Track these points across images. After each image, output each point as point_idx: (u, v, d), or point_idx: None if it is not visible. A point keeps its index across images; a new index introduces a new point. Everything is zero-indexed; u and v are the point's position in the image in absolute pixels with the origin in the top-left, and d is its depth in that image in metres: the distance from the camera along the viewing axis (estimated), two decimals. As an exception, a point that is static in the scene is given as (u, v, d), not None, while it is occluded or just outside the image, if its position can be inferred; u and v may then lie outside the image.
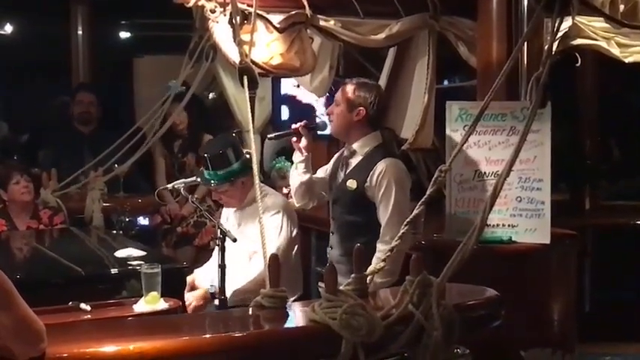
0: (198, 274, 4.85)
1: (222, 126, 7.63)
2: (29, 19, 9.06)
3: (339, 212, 4.45)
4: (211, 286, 4.59)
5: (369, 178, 4.28)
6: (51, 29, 8.70)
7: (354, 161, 4.42)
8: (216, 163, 4.60)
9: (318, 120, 4.65)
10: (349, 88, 4.40)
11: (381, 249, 4.11)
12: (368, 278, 3.29)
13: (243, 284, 4.50)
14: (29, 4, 8.45)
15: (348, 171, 4.42)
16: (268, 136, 4.86)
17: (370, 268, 3.51)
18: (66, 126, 7.39)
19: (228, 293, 4.34)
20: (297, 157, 4.55)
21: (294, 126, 4.53)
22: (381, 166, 4.27)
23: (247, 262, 4.61)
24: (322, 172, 4.68)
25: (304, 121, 4.61)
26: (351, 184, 4.35)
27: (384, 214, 4.24)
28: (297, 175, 4.56)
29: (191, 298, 4.58)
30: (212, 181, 4.64)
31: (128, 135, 6.64)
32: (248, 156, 4.61)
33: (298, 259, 4.83)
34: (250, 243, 4.56)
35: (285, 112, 7.23)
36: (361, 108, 4.35)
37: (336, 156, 4.62)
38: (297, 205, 4.73)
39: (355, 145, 4.41)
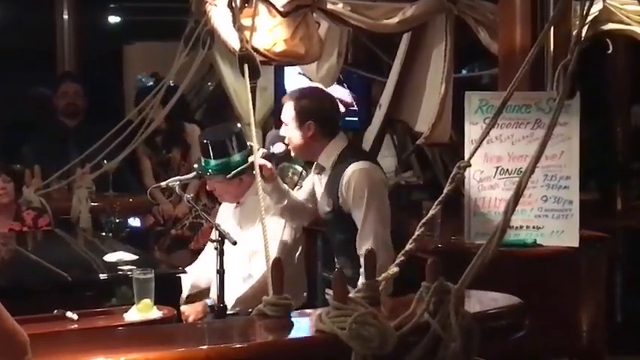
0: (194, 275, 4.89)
1: (221, 118, 7.63)
2: (11, 2, 9.08)
3: (332, 233, 4.53)
4: (209, 298, 4.65)
5: (339, 194, 4.29)
6: (34, 14, 8.71)
7: (324, 178, 4.44)
8: (216, 151, 4.62)
9: (273, 148, 4.58)
10: (290, 104, 4.39)
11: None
12: (381, 285, 3.30)
13: (245, 291, 4.52)
14: (10, -13, 8.48)
15: (322, 191, 4.45)
16: (228, 177, 4.74)
17: (383, 275, 3.51)
18: (50, 119, 7.40)
19: (228, 300, 4.36)
20: (264, 188, 4.42)
21: (250, 159, 4.47)
22: (346, 177, 4.27)
23: (247, 264, 4.64)
24: (307, 186, 4.69)
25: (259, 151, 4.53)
26: (328, 205, 4.38)
27: (358, 224, 4.25)
28: (274, 204, 4.54)
29: (189, 312, 4.60)
30: (208, 171, 4.67)
31: (118, 128, 6.63)
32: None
33: (302, 263, 4.86)
34: (250, 243, 4.58)
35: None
36: (310, 122, 4.34)
37: (310, 176, 4.65)
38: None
39: (321, 160, 4.43)
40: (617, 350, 5.28)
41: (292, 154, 4.56)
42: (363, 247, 4.17)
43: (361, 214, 4.22)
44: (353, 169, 4.27)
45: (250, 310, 3.95)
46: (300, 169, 5.98)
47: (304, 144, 4.40)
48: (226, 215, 4.92)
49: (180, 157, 6.85)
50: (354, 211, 4.26)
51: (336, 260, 4.54)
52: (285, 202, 4.53)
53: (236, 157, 4.64)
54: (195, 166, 4.78)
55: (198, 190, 6.32)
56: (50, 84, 7.76)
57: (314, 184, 4.59)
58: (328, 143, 4.38)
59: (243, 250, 4.58)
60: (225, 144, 4.63)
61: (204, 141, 4.69)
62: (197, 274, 4.92)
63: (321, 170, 4.44)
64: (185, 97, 7.96)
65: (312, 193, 4.61)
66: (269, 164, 4.44)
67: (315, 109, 4.37)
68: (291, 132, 4.41)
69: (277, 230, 4.64)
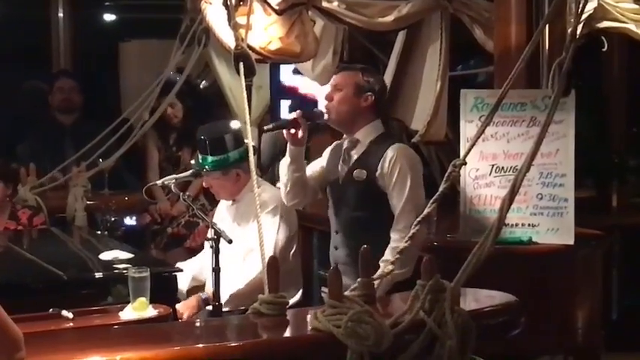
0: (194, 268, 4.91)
1: (216, 117, 7.63)
2: (5, 0, 9.06)
3: (343, 209, 4.42)
4: (203, 292, 4.65)
5: (379, 166, 4.26)
6: (29, 11, 8.69)
7: (357, 151, 4.38)
8: (213, 148, 4.63)
9: (315, 109, 4.56)
10: (355, 73, 4.40)
11: (395, 238, 4.15)
12: (376, 282, 3.30)
13: (241, 287, 4.52)
14: (5, -15, 8.46)
15: (352, 162, 4.39)
16: (265, 127, 4.72)
17: (378, 272, 3.51)
18: (45, 116, 7.38)
19: (224, 297, 4.36)
20: (292, 151, 4.36)
21: (290, 116, 4.40)
22: (392, 152, 4.26)
23: (242, 261, 4.64)
24: (314, 167, 4.65)
25: (299, 110, 4.49)
26: (360, 174, 4.32)
27: (398, 201, 4.22)
28: (291, 172, 4.41)
29: (183, 309, 4.59)
30: (205, 167, 4.67)
31: (114, 126, 6.63)
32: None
33: (297, 260, 4.86)
34: (246, 240, 4.58)
35: (285, 105, 7.22)
36: (369, 93, 4.35)
37: (330, 150, 4.57)
38: (288, 205, 4.63)
39: (358, 135, 4.39)
40: (613, 347, 5.28)
41: (332, 118, 4.39)
42: (401, 222, 4.17)
43: (405, 190, 4.21)
44: (399, 147, 4.30)
45: (243, 307, 3.95)
46: None
47: (353, 112, 4.36)
48: (223, 213, 4.93)
49: (189, 157, 6.83)
50: (394, 187, 4.24)
51: (332, 238, 4.47)
52: (300, 173, 4.44)
53: (234, 153, 4.65)
54: (192, 162, 4.79)
55: (198, 191, 6.32)
56: (46, 81, 7.75)
57: (328, 162, 4.56)
58: (371, 122, 4.38)
59: (239, 248, 4.59)
60: (223, 140, 4.65)
61: (202, 137, 4.70)
62: (198, 267, 4.93)
63: (355, 144, 4.42)
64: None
65: (318, 174, 4.55)
66: (305, 126, 4.31)
67: (378, 88, 4.39)
68: (344, 97, 4.36)
69: (272, 228, 4.65)
